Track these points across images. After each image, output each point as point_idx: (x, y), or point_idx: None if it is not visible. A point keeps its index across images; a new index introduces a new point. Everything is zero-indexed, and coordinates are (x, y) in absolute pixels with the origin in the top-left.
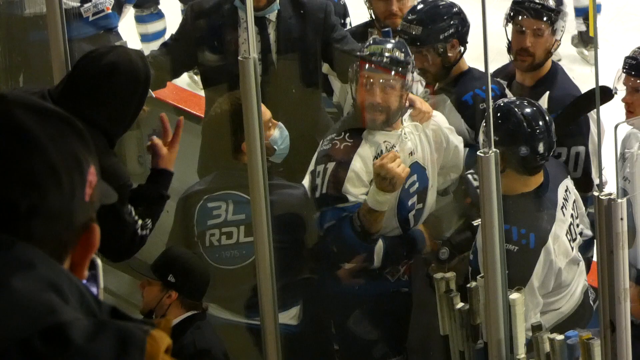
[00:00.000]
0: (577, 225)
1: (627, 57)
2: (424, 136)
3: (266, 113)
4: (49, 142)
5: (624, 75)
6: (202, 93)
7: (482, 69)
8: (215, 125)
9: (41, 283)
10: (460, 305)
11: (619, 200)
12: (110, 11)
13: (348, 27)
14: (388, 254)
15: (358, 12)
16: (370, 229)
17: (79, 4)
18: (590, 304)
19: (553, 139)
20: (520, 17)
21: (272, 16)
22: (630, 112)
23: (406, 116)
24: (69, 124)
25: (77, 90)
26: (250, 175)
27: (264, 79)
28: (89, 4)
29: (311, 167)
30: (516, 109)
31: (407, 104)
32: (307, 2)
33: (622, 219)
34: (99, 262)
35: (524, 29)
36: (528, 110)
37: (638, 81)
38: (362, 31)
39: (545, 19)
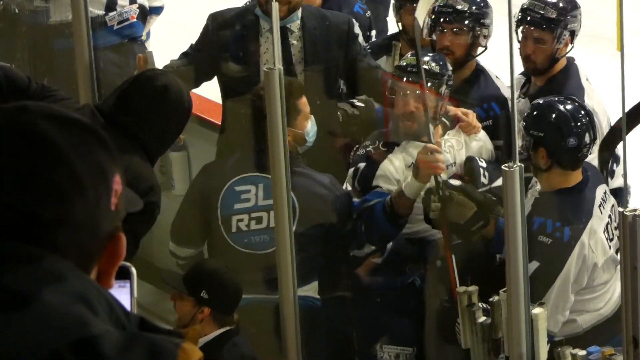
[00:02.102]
0: (615, 228)
1: None
2: (466, 151)
3: (307, 106)
4: (72, 153)
5: None
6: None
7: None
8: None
9: (71, 295)
10: (482, 319)
11: None
12: (135, 20)
13: (373, 39)
14: (396, 252)
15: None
16: (399, 212)
17: (103, 13)
18: None
19: (596, 131)
20: (522, 25)
21: (294, 26)
22: None
23: (453, 131)
24: (93, 133)
25: (129, 106)
26: (274, 185)
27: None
28: (114, 12)
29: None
30: (558, 104)
31: (441, 115)
32: (330, 15)
33: None
34: (134, 271)
35: (526, 36)
36: (569, 103)
37: None
38: (387, 44)
39: (545, 28)
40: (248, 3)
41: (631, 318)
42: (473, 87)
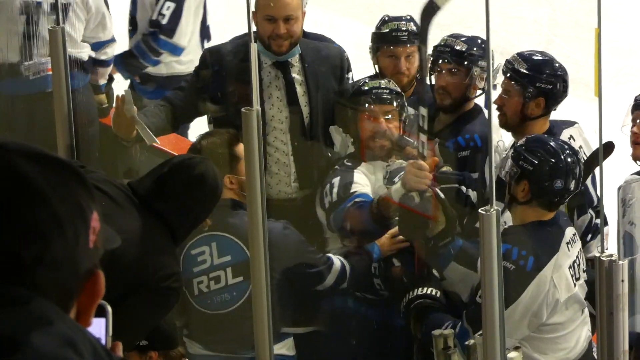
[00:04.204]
0: (584, 271)
1: (638, 95)
2: None
3: None
4: (50, 191)
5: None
6: None
7: None
8: None
9: (59, 339)
10: None
11: (620, 262)
12: (50, 73)
13: (351, 81)
14: (345, 273)
15: (360, 65)
16: (385, 214)
17: (16, 60)
18: (593, 356)
19: (581, 179)
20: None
21: (294, 60)
22: (636, 144)
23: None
24: (70, 171)
25: (165, 193)
26: (251, 232)
27: (292, 128)
28: (30, 62)
29: (319, 194)
30: (555, 143)
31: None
32: (324, 47)
33: (622, 280)
34: (109, 309)
35: (502, 87)
36: (566, 148)
37: None
38: None
39: (510, 78)
40: (241, 38)
41: None
42: (461, 123)
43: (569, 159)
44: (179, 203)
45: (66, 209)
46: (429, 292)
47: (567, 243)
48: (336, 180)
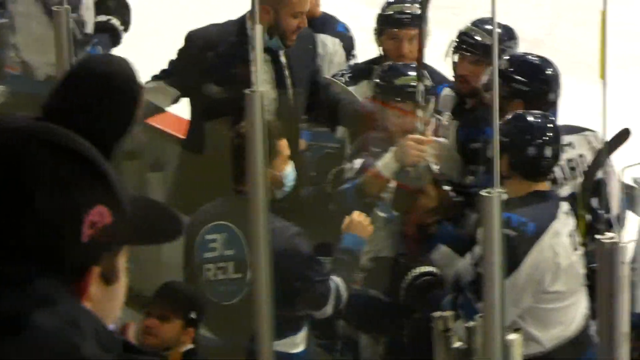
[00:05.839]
0: (580, 244)
1: None
2: None
3: (286, 149)
4: (46, 179)
5: None
6: None
7: None
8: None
9: (62, 319)
10: (457, 344)
11: (622, 244)
12: None
13: (353, 60)
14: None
15: (364, 48)
16: (364, 188)
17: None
18: (588, 334)
19: (560, 149)
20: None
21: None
22: None
23: None
24: (83, 160)
25: (73, 106)
26: (253, 211)
27: (280, 111)
28: None
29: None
30: (527, 116)
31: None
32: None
33: (623, 262)
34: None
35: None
36: (538, 117)
37: None
38: (367, 67)
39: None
40: (232, 21)
41: (607, 346)
42: (484, 112)
43: (541, 127)
44: (90, 114)
45: (56, 201)
46: (429, 269)
47: (565, 212)
48: (357, 162)
